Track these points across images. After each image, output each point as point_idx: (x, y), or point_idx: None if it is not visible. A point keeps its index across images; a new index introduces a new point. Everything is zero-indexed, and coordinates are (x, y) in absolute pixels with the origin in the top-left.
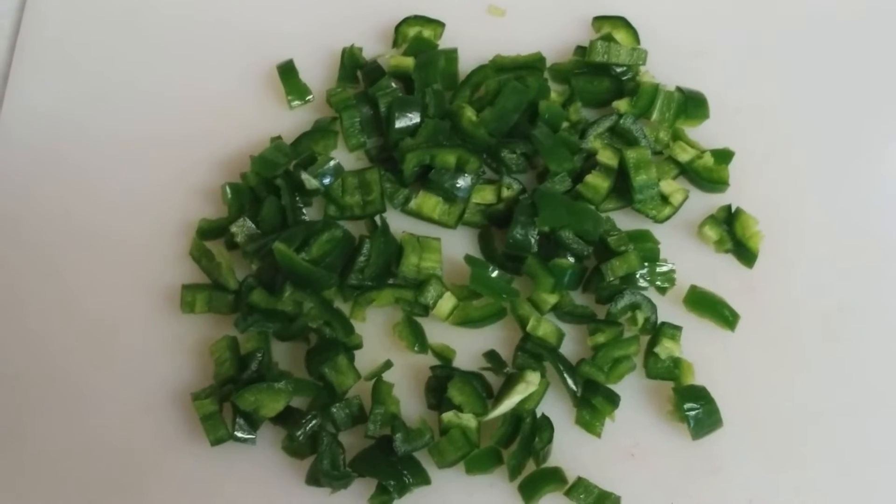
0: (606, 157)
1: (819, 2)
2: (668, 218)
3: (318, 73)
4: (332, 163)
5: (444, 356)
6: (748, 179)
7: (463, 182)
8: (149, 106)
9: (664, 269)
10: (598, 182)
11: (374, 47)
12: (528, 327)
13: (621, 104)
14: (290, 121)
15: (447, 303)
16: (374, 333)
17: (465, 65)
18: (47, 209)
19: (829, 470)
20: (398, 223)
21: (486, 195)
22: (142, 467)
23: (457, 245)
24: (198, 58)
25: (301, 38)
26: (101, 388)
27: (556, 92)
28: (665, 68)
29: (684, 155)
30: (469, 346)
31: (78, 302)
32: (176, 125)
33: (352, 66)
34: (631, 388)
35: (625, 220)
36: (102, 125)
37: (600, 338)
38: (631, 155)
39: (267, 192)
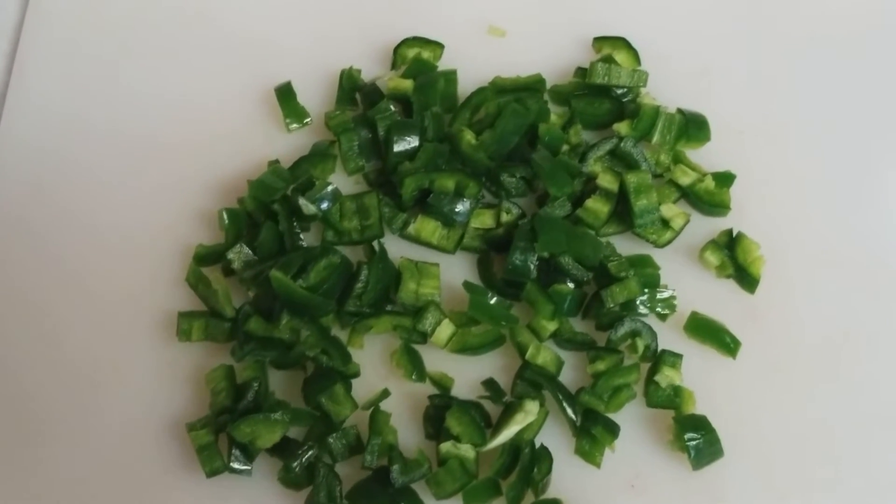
0: (607, 181)
1: (822, 22)
2: (668, 242)
3: (316, 93)
4: (329, 188)
5: (443, 384)
6: (750, 203)
7: (462, 207)
8: (143, 133)
9: (665, 295)
10: (598, 207)
11: (372, 68)
12: (528, 355)
13: (622, 127)
14: (288, 143)
15: (445, 330)
16: (372, 361)
17: (465, 85)
18: (45, 232)
19: (836, 500)
20: (396, 248)
21: (485, 220)
22: (136, 499)
23: (455, 270)
24: (193, 81)
25: (299, 59)
26: (94, 417)
27: (555, 114)
28: (666, 89)
29: (685, 178)
30: (467, 374)
31: (71, 329)
32: (172, 149)
33: (350, 88)
34: (631, 416)
35: (625, 245)
36: (102, 149)
37: (600, 365)
38: (631, 179)
39: (264, 217)
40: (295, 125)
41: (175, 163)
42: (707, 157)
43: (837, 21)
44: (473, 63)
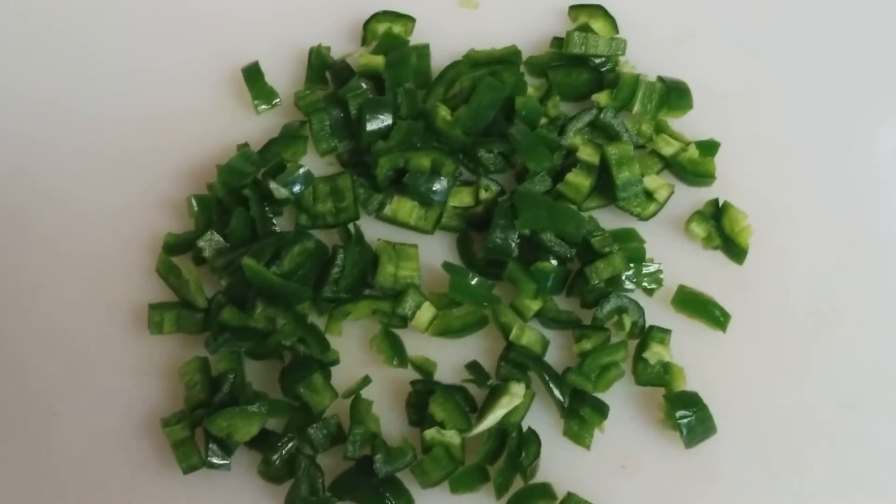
0: (587, 154)
1: None
2: (653, 215)
3: (284, 72)
4: (301, 170)
5: (425, 369)
6: (736, 171)
7: (439, 185)
8: (110, 115)
9: (651, 269)
10: (579, 180)
11: (342, 44)
12: (512, 336)
13: (601, 97)
14: (258, 125)
15: (426, 313)
16: (352, 348)
17: (439, 60)
18: (6, 226)
19: (831, 472)
20: (373, 230)
21: (463, 198)
22: (111, 498)
23: (435, 251)
24: (159, 63)
25: (266, 38)
26: (65, 414)
27: (532, 86)
28: (646, 57)
29: (668, 148)
30: (450, 358)
31: (39, 324)
32: (138, 134)
33: (320, 66)
34: (620, 395)
35: (608, 218)
36: (62, 137)
37: (586, 344)
38: (612, 151)
39: (235, 202)
40: (264, 106)
41: (141, 149)
42: (690, 125)
43: None
44: (446, 36)
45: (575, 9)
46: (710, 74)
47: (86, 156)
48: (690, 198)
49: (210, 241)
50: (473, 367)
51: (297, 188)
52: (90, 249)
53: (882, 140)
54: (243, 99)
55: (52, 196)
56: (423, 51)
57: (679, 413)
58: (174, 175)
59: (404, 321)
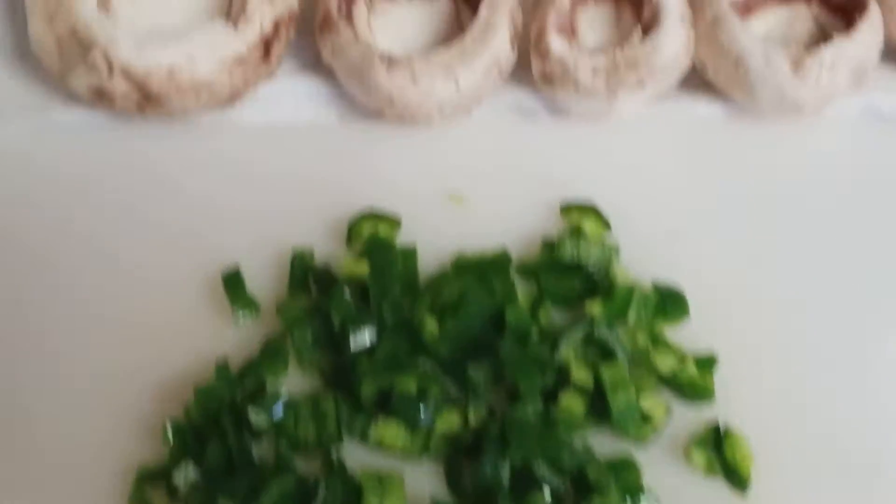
0: (581, 378)
1: (805, 184)
2: (649, 436)
3: (265, 272)
4: (282, 396)
5: None
6: (736, 385)
7: (426, 409)
8: (79, 329)
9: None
10: (572, 403)
11: (326, 243)
12: None
13: (594, 307)
14: (238, 333)
15: None
16: None
17: (426, 259)
18: None
19: None
20: (357, 453)
21: (451, 420)
22: None
23: (422, 477)
24: (133, 269)
25: (247, 237)
26: None
27: (522, 293)
28: (639, 256)
29: (664, 365)
30: None
31: None
32: (109, 348)
33: (302, 271)
34: None
35: (603, 439)
36: (23, 354)
37: None
38: (607, 374)
39: (212, 427)
40: (244, 316)
41: (112, 367)
42: (686, 329)
43: (821, 186)
44: (434, 232)
45: (566, 210)
46: (706, 275)
47: (49, 368)
48: (689, 414)
49: (185, 476)
50: None
51: (276, 414)
52: (57, 479)
53: (891, 351)
54: (222, 305)
55: (21, 414)
56: (410, 254)
57: None
58: (149, 391)
59: None
